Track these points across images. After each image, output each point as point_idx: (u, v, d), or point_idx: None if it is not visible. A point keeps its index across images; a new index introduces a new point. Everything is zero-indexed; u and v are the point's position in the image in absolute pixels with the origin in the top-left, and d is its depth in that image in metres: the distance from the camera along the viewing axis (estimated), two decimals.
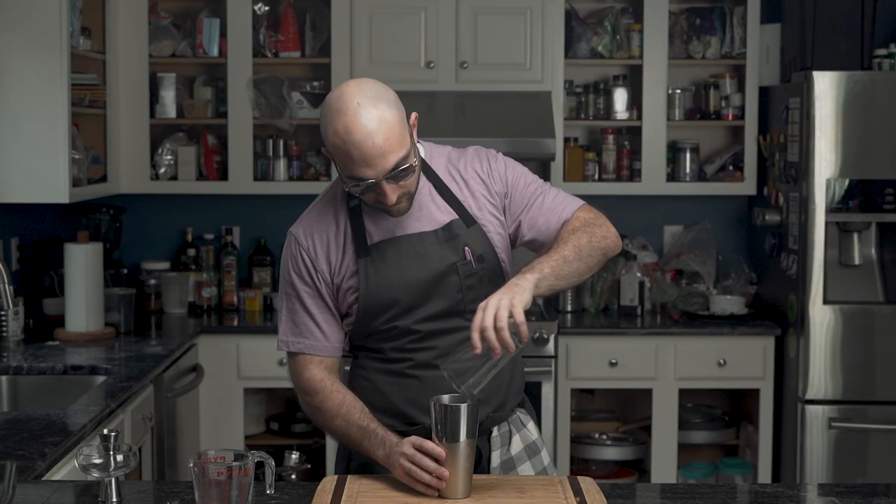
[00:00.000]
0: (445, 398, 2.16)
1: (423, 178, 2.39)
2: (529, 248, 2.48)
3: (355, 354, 2.49)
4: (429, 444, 2.15)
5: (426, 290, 2.36)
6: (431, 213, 2.39)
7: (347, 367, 2.53)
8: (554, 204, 2.45)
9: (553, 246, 2.34)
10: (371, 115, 2.19)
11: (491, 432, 2.42)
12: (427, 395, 2.25)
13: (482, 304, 2.13)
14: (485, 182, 2.44)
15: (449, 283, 2.36)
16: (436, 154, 2.47)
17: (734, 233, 5.10)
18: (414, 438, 2.19)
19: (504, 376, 2.43)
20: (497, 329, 2.09)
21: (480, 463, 2.40)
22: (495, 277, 2.40)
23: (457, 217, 2.39)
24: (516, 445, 2.45)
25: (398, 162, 2.22)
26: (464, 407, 2.13)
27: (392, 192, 2.25)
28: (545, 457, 2.49)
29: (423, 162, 2.40)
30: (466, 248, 2.37)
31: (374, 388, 2.44)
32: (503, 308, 2.10)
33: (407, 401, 2.39)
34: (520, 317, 2.10)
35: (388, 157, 2.20)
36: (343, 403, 2.36)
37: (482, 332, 2.09)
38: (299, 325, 2.40)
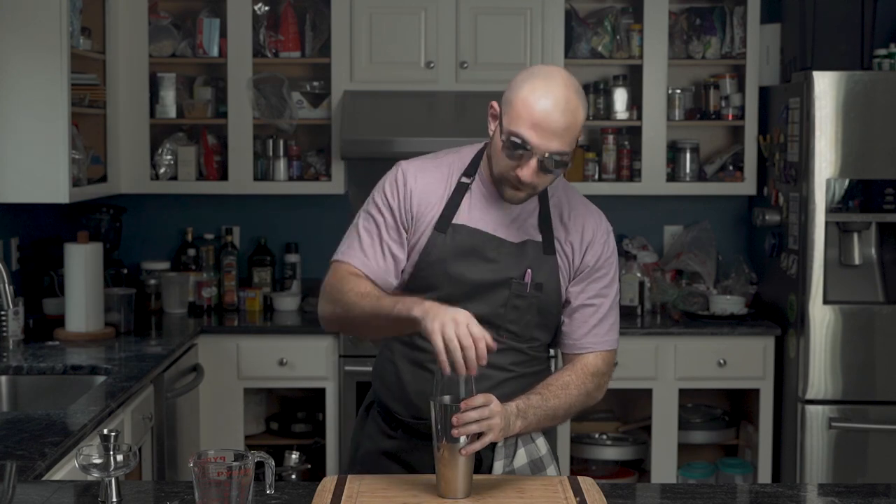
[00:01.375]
0: (446, 398, 2.15)
1: (536, 197, 2.40)
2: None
3: (388, 338, 2.48)
4: (481, 330, 2.09)
5: (472, 290, 2.36)
6: (522, 223, 2.40)
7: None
8: (597, 324, 2.46)
9: (552, 389, 2.35)
10: (571, 99, 2.25)
11: (496, 442, 2.31)
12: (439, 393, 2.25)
13: (499, 408, 2.15)
14: (580, 241, 2.42)
15: (497, 294, 2.38)
16: (561, 188, 2.48)
17: (734, 233, 5.10)
18: (472, 316, 2.11)
19: (518, 390, 2.37)
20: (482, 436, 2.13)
21: (481, 471, 2.37)
22: (545, 312, 2.41)
23: (539, 240, 2.39)
24: (520, 459, 2.41)
25: (560, 151, 2.25)
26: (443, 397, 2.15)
27: (533, 174, 2.25)
28: (552, 474, 2.44)
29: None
30: (529, 269, 2.38)
31: (394, 374, 2.45)
32: (495, 424, 2.14)
33: (419, 395, 2.40)
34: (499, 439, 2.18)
35: (557, 140, 2.24)
36: (379, 290, 2.33)
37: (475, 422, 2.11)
38: (364, 246, 2.38)
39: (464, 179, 2.39)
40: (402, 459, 2.46)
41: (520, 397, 2.28)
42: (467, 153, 2.44)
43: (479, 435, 2.13)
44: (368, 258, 2.37)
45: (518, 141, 2.23)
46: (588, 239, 2.43)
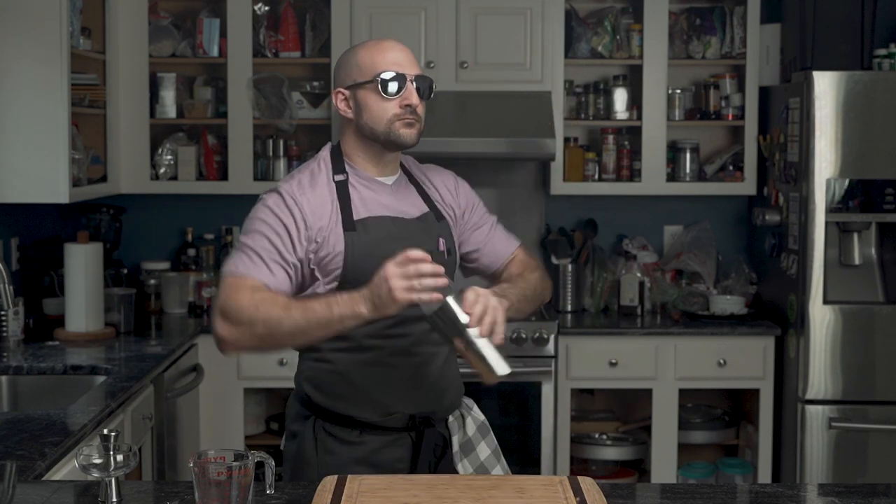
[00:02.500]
0: (434, 306, 2.21)
1: (404, 177, 2.55)
2: (464, 263, 2.65)
3: (313, 346, 2.46)
4: (414, 252, 2.19)
5: None
6: (410, 200, 2.52)
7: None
8: (502, 235, 2.67)
9: (513, 280, 2.52)
10: (398, 42, 2.49)
11: (447, 419, 2.54)
12: (403, 383, 2.42)
13: (486, 291, 2.26)
14: (451, 193, 2.60)
15: None
16: (411, 162, 2.65)
17: (734, 233, 5.10)
18: (397, 258, 2.19)
19: (454, 371, 2.57)
20: (495, 317, 2.22)
21: (445, 449, 2.52)
22: (452, 273, 2.53)
23: (429, 210, 2.53)
24: (470, 427, 2.58)
25: (421, 75, 2.44)
26: (449, 298, 2.20)
27: (416, 96, 2.42)
28: (493, 436, 2.63)
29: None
30: (441, 238, 2.50)
31: (344, 381, 2.47)
32: (501, 311, 2.24)
33: (383, 390, 2.45)
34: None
35: (412, 66, 2.44)
36: (298, 298, 2.35)
37: (483, 311, 2.20)
38: (265, 260, 2.37)
39: (338, 178, 2.47)
40: (371, 462, 2.47)
41: (491, 287, 2.39)
42: (324, 156, 2.54)
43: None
44: (273, 273, 2.37)
45: (387, 76, 2.40)
46: (451, 187, 2.61)
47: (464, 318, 2.20)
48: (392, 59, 2.42)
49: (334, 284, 2.41)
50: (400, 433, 2.50)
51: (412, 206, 2.52)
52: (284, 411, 2.65)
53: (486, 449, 2.60)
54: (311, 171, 2.50)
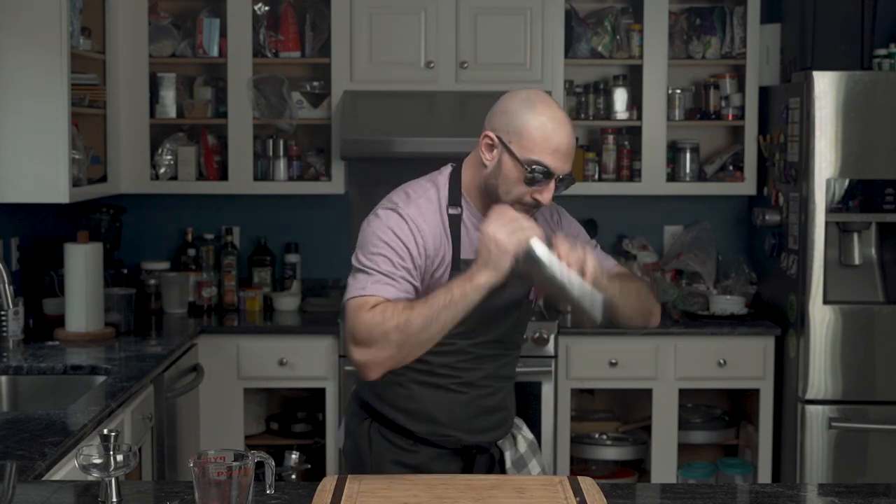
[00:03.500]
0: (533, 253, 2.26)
1: None
2: None
3: None
4: (501, 206, 2.31)
5: (493, 317, 2.46)
6: None
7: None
8: (601, 254, 2.64)
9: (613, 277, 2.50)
10: (568, 121, 2.43)
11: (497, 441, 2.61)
12: (468, 410, 2.50)
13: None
14: (549, 225, 2.58)
15: (512, 315, 2.51)
16: None
17: (734, 233, 5.09)
18: (489, 216, 2.27)
19: (512, 400, 2.63)
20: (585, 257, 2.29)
21: (494, 466, 2.58)
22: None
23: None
24: (522, 445, 2.64)
25: (569, 170, 2.42)
26: (533, 241, 2.25)
27: (549, 198, 2.39)
28: (542, 455, 2.71)
29: None
30: (533, 288, 2.51)
31: (410, 397, 2.51)
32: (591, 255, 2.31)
33: (447, 413, 2.51)
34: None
35: (569, 160, 2.40)
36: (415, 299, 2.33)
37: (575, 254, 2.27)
38: (383, 279, 2.34)
39: (452, 211, 2.44)
40: (423, 470, 2.50)
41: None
42: (442, 183, 2.48)
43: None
44: (396, 285, 2.34)
45: (540, 168, 2.34)
46: (553, 222, 2.61)
47: (555, 265, 2.24)
48: (553, 149, 2.36)
49: None
50: (452, 451, 2.56)
51: None
52: (346, 407, 2.70)
53: (536, 466, 2.65)
54: (427, 196, 2.44)
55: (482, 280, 2.25)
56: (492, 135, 2.39)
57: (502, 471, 2.57)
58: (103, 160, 4.47)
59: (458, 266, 2.40)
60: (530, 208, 2.40)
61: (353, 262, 2.39)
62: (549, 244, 2.27)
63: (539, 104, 2.37)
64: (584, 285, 2.25)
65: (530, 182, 2.35)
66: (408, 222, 2.38)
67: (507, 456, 2.59)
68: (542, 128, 2.35)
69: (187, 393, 4.11)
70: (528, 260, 2.25)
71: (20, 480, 2.24)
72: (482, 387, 2.54)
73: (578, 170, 4.85)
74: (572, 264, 2.25)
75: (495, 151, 2.38)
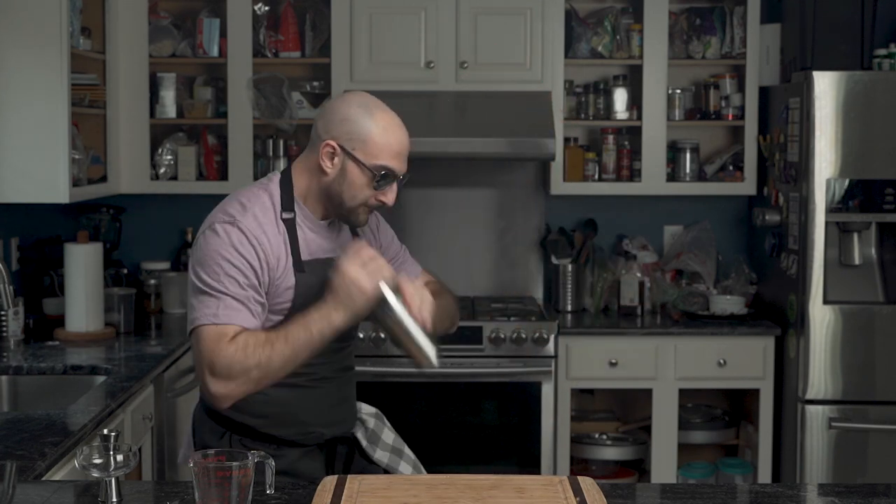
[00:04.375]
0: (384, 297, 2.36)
1: None
2: None
3: None
4: (360, 246, 2.39)
5: None
6: (342, 241, 2.55)
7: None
8: (410, 259, 2.78)
9: (435, 295, 2.55)
10: (403, 126, 2.49)
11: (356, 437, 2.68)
12: (325, 403, 2.55)
13: (419, 284, 2.43)
14: (373, 231, 2.67)
15: None
16: None
17: (734, 233, 5.09)
18: (348, 256, 2.35)
19: (354, 386, 2.70)
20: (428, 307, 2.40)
21: (354, 453, 2.65)
22: None
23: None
24: (369, 421, 2.71)
25: (406, 168, 2.49)
26: (381, 283, 2.34)
27: (394, 199, 2.47)
28: (387, 421, 2.77)
29: None
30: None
31: (269, 401, 2.51)
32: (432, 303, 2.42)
33: (306, 410, 2.55)
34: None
35: (406, 160, 2.47)
36: (273, 330, 2.37)
37: (420, 302, 2.37)
38: (237, 305, 2.37)
39: (286, 215, 2.47)
40: (289, 473, 2.50)
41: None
42: (273, 189, 2.51)
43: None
44: (251, 314, 2.38)
45: (386, 172, 2.42)
46: (373, 224, 2.66)
47: (393, 301, 2.34)
48: (396, 153, 2.43)
49: (280, 318, 2.45)
50: (315, 447, 2.60)
51: (344, 244, 2.56)
52: (192, 426, 2.65)
53: (389, 434, 2.73)
54: (262, 204, 2.47)
55: (339, 321, 2.34)
56: (333, 143, 2.43)
57: (361, 453, 2.64)
58: (103, 160, 4.47)
59: (301, 268, 2.44)
60: (373, 209, 2.49)
61: (194, 279, 2.39)
62: (394, 285, 2.36)
63: (376, 110, 2.44)
64: (422, 332, 2.37)
65: (378, 186, 2.43)
66: (248, 236, 2.40)
67: (360, 435, 2.65)
68: (385, 134, 2.42)
69: (187, 393, 4.10)
70: (377, 302, 2.34)
71: (20, 480, 2.24)
72: (333, 378, 2.58)
73: (578, 170, 4.85)
74: (414, 308, 2.35)
75: (336, 159, 2.43)
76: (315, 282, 2.44)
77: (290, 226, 2.47)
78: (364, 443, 2.65)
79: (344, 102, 2.46)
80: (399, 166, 2.44)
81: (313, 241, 2.49)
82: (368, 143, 2.41)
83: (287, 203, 2.48)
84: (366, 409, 2.74)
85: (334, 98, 2.55)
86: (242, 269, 2.38)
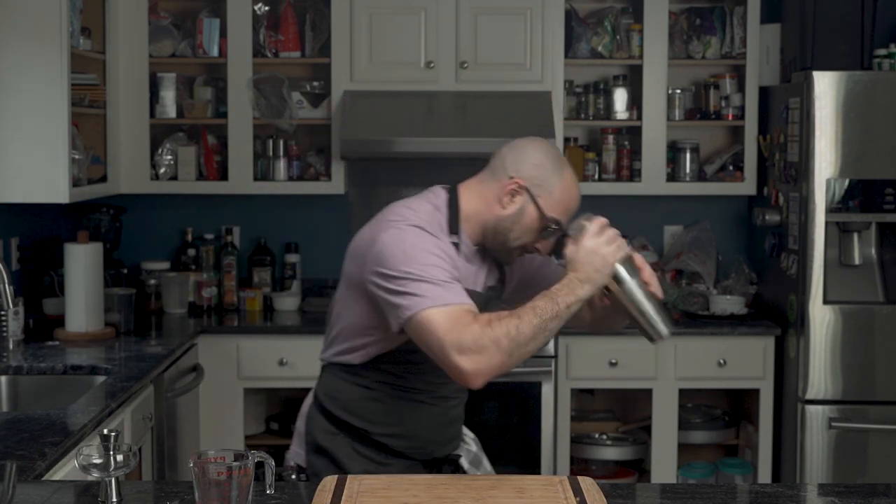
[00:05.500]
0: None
1: None
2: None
3: (356, 371, 2.53)
4: (600, 218, 2.40)
5: None
6: (485, 271, 2.57)
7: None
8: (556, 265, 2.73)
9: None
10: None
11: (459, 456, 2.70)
12: (440, 421, 2.58)
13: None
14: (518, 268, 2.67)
15: None
16: None
17: (734, 233, 5.09)
18: (590, 230, 2.37)
19: (462, 418, 2.71)
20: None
21: (455, 472, 2.64)
22: None
23: (498, 282, 2.62)
24: (472, 444, 2.75)
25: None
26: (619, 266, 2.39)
27: (548, 251, 2.55)
28: (487, 466, 2.78)
29: None
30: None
31: (383, 409, 2.54)
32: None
33: (423, 426, 2.57)
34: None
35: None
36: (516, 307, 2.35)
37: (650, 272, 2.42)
38: (456, 287, 2.34)
39: (453, 239, 2.47)
40: None
41: None
42: (441, 207, 2.49)
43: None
44: (469, 297, 2.37)
45: (557, 226, 2.48)
46: (528, 258, 2.63)
47: (637, 283, 2.38)
48: (571, 210, 2.49)
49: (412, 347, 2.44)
50: (420, 463, 2.61)
51: (487, 278, 2.58)
52: (305, 423, 2.65)
53: (488, 463, 2.75)
54: (432, 219, 2.45)
55: (584, 294, 2.33)
56: (523, 183, 2.46)
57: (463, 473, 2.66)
58: (103, 160, 4.47)
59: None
60: (524, 253, 2.53)
61: (394, 273, 2.33)
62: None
63: (566, 167, 2.50)
64: (654, 305, 2.40)
65: (545, 235, 2.49)
66: (434, 235, 2.41)
67: (464, 459, 2.67)
68: (569, 191, 2.48)
69: (187, 393, 4.11)
70: (615, 278, 2.37)
71: (20, 480, 2.24)
72: (451, 398, 2.60)
73: (578, 170, 4.85)
74: (651, 282, 2.39)
75: (518, 199, 2.46)
76: None
77: (457, 250, 2.47)
78: (466, 465, 2.67)
79: (540, 149, 2.50)
80: (566, 223, 2.48)
81: (466, 269, 2.50)
82: (553, 196, 2.46)
83: (453, 226, 2.49)
84: (468, 433, 2.77)
85: (527, 139, 2.54)
86: (446, 261, 2.36)
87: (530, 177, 2.45)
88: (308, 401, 2.69)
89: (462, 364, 2.26)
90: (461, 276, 2.41)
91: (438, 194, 2.51)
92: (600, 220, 2.38)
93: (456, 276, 2.36)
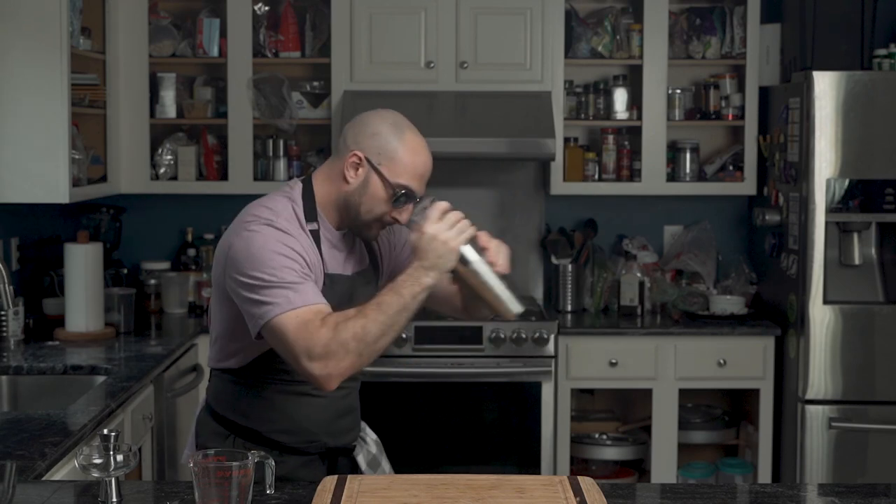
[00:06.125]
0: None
1: None
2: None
3: (239, 373, 2.51)
4: (442, 203, 2.36)
5: None
6: (355, 255, 2.57)
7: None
8: None
9: None
10: (429, 150, 2.50)
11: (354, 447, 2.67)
12: (330, 412, 2.55)
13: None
14: (387, 243, 2.66)
15: None
16: None
17: (734, 233, 5.09)
18: (431, 215, 2.34)
19: (357, 397, 2.68)
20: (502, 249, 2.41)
21: (356, 467, 2.62)
22: None
23: (368, 265, 2.61)
24: (372, 445, 2.71)
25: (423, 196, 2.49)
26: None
27: (407, 219, 2.47)
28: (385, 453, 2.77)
29: None
30: (375, 292, 2.51)
31: (273, 407, 2.52)
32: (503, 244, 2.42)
33: (311, 418, 2.55)
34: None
35: (426, 183, 2.49)
36: (363, 304, 2.34)
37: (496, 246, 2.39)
38: (306, 288, 2.34)
39: (311, 227, 2.46)
40: (290, 479, 2.49)
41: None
42: (296, 198, 2.49)
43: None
44: (320, 295, 2.37)
45: (406, 192, 2.43)
46: (385, 237, 2.64)
47: (484, 262, 2.36)
48: (420, 174, 2.45)
49: None
50: (317, 457, 2.59)
51: (360, 260, 2.58)
52: (196, 427, 2.63)
53: (388, 465, 2.72)
54: (287, 212, 2.44)
55: (429, 281, 2.32)
56: (361, 155, 2.44)
57: (358, 472, 2.61)
58: (103, 160, 4.47)
59: (327, 281, 2.43)
60: (385, 226, 2.50)
61: (247, 279, 2.33)
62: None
63: (407, 130, 2.47)
64: (503, 283, 2.38)
65: (396, 203, 2.44)
66: (288, 235, 2.39)
67: (361, 458, 2.63)
68: (412, 155, 2.44)
69: (187, 393, 4.11)
70: (461, 260, 2.35)
71: (20, 480, 2.24)
72: (339, 388, 2.50)
73: (578, 170, 4.85)
74: (496, 260, 2.37)
75: (360, 171, 2.45)
76: (334, 294, 2.43)
77: (316, 237, 2.46)
78: (363, 465, 2.64)
79: (376, 117, 2.48)
80: (419, 188, 2.45)
81: (331, 255, 2.49)
82: (395, 161, 2.43)
83: (310, 213, 2.48)
84: (370, 434, 2.74)
85: (367, 112, 2.53)
86: (296, 259, 2.36)
87: (368, 146, 2.44)
88: (200, 404, 2.68)
89: (313, 369, 2.29)
90: (326, 263, 2.45)
91: (294, 186, 2.52)
92: (441, 205, 2.35)
93: (307, 274, 2.36)
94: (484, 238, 2.38)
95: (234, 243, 2.40)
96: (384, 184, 2.43)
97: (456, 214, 2.34)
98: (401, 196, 2.43)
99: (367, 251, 2.61)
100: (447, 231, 2.32)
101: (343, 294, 2.45)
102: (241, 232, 2.40)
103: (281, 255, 2.34)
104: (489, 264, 2.37)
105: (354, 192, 2.45)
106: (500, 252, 2.39)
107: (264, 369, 2.50)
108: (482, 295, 2.40)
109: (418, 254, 2.33)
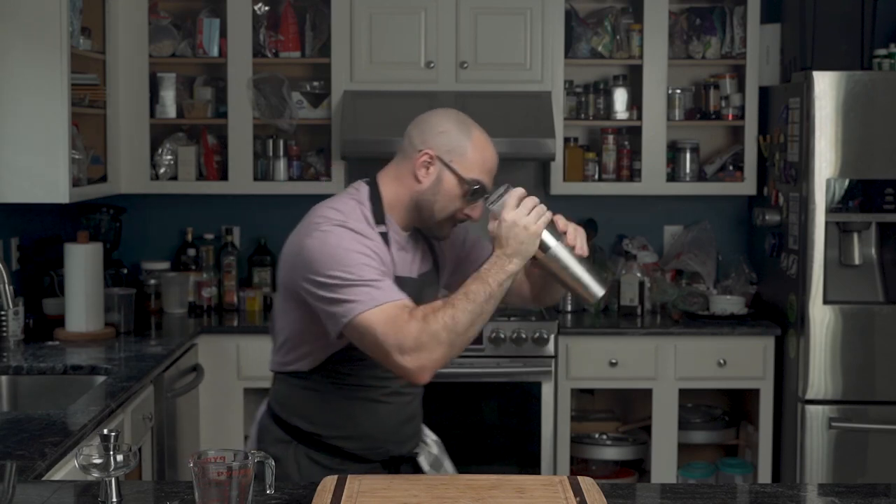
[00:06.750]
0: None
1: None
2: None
3: (305, 377, 2.51)
4: (519, 189, 2.35)
5: None
6: (420, 257, 2.57)
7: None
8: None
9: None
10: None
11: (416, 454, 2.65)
12: (394, 419, 2.54)
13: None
14: (455, 243, 2.66)
15: None
16: None
17: (734, 233, 5.09)
18: (508, 202, 2.32)
19: (420, 402, 2.66)
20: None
21: (416, 473, 2.58)
22: None
23: (432, 265, 2.60)
24: (433, 446, 2.69)
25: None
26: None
27: (479, 215, 2.48)
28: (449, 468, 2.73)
29: None
30: (438, 295, 2.53)
31: (334, 411, 2.52)
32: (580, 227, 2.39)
33: (377, 425, 2.53)
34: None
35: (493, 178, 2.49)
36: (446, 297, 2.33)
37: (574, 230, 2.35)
38: (387, 284, 2.33)
39: (380, 229, 2.45)
40: None
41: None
42: (364, 200, 2.48)
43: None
44: (402, 291, 2.35)
45: (479, 187, 2.44)
46: (459, 239, 2.64)
47: (564, 246, 2.34)
48: (489, 169, 2.46)
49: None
50: (379, 464, 2.57)
51: (421, 264, 2.56)
52: (258, 432, 2.62)
53: (450, 465, 2.70)
54: (356, 214, 2.43)
55: (513, 268, 2.31)
56: (431, 153, 2.44)
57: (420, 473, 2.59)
58: (103, 160, 4.47)
59: (398, 283, 2.39)
60: (456, 224, 2.50)
61: (326, 279, 2.32)
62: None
63: (472, 127, 2.48)
64: (583, 266, 2.36)
65: (471, 199, 2.45)
66: (364, 236, 2.38)
67: (423, 460, 2.61)
68: (482, 150, 2.46)
69: (187, 393, 4.11)
70: (541, 246, 2.34)
71: (20, 480, 2.24)
72: (405, 394, 2.56)
73: (578, 170, 4.85)
74: (575, 244, 2.34)
75: (432, 169, 2.44)
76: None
77: (385, 239, 2.45)
78: (426, 467, 2.61)
79: (441, 116, 2.50)
80: (489, 182, 2.45)
81: (401, 257, 2.48)
82: (465, 157, 2.43)
83: (379, 216, 2.46)
84: (430, 435, 2.73)
85: (428, 112, 2.54)
86: (373, 257, 2.35)
87: (438, 145, 2.44)
88: (262, 409, 2.66)
89: (405, 363, 2.27)
90: (396, 265, 2.43)
91: (360, 188, 2.51)
92: (518, 192, 2.34)
93: (385, 271, 2.35)
94: (561, 222, 2.36)
95: (306, 244, 2.38)
96: (458, 180, 2.43)
97: (532, 199, 2.32)
98: (474, 192, 2.43)
99: (431, 253, 2.60)
100: (526, 217, 2.30)
101: (411, 296, 2.39)
102: (312, 232, 2.39)
103: (359, 252, 2.34)
104: (568, 248, 2.35)
105: (427, 191, 2.45)
106: (577, 235, 2.35)
107: (331, 373, 2.49)
108: (563, 279, 2.38)
109: (500, 242, 2.31)
